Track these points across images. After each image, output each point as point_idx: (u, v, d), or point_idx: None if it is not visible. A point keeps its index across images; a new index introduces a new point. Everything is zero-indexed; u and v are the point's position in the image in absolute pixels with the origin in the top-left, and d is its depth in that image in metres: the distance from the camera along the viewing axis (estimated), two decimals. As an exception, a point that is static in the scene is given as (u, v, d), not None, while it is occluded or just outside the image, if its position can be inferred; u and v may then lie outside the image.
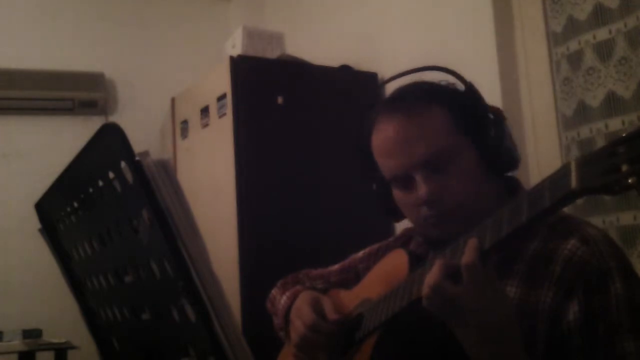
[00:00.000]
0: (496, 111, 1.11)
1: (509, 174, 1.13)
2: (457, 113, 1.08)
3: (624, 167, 0.69)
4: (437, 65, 1.13)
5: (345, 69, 2.78)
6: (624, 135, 0.70)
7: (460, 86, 1.12)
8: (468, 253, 0.86)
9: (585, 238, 0.98)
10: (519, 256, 1.02)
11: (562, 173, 0.77)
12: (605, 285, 0.93)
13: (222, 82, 2.56)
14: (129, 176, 0.77)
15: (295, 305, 1.26)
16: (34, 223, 1.13)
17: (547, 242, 1.01)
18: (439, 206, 1.06)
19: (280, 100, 2.55)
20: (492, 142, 1.06)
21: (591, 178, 0.73)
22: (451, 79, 1.13)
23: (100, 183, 0.86)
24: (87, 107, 3.48)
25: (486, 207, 1.00)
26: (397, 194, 1.13)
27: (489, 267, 0.87)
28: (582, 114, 1.97)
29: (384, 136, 1.10)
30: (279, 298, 1.36)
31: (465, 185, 1.06)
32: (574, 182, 0.74)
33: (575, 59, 2.00)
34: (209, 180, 2.65)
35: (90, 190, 0.91)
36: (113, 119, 3.51)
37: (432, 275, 0.88)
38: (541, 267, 0.98)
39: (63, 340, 2.63)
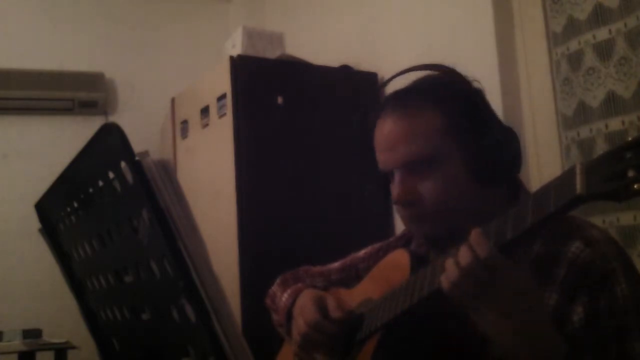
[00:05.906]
0: (496, 122, 1.09)
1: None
2: (452, 117, 1.07)
3: (630, 173, 0.69)
4: (440, 64, 1.13)
5: (345, 69, 2.78)
6: (629, 140, 0.70)
7: (468, 86, 1.11)
8: (477, 241, 0.85)
9: (588, 240, 0.97)
10: (521, 259, 1.01)
11: (567, 177, 0.76)
12: (610, 286, 0.93)
13: (222, 82, 2.56)
14: (129, 176, 0.77)
15: (299, 303, 1.26)
16: (34, 223, 1.13)
17: (549, 244, 1.00)
18: (412, 207, 1.08)
19: (280, 100, 2.55)
20: (481, 150, 1.04)
21: (597, 184, 0.72)
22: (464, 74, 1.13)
23: (100, 183, 0.86)
24: (87, 107, 3.48)
25: (476, 211, 1.02)
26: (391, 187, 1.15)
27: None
28: (582, 114, 1.97)
29: (380, 132, 1.12)
30: (280, 295, 1.36)
31: (444, 190, 1.05)
32: (579, 187, 0.73)
33: (575, 59, 2.00)
34: (209, 180, 2.65)
35: (90, 190, 0.91)
36: (113, 119, 3.50)
37: (464, 255, 0.85)
38: (544, 270, 0.98)
39: (63, 340, 2.63)
